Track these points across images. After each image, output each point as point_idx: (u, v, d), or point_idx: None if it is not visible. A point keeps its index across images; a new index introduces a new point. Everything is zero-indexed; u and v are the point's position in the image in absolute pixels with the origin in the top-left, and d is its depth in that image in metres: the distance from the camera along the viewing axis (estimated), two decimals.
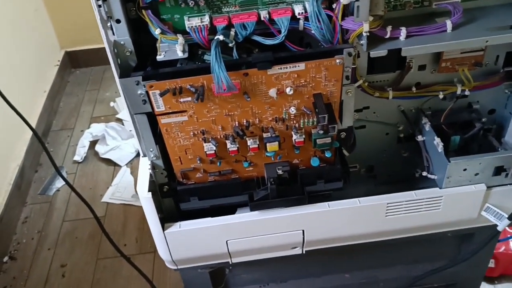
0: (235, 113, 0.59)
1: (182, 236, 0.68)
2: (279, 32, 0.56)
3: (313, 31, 0.56)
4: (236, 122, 0.60)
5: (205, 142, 0.62)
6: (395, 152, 0.78)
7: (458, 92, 0.68)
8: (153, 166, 0.66)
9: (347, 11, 0.54)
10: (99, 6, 0.54)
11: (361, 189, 0.76)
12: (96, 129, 1.53)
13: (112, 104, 1.70)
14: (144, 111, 0.59)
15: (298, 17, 0.56)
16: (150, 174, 0.66)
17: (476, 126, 0.74)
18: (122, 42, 0.56)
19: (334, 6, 0.55)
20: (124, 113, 1.64)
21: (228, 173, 0.67)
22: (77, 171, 1.46)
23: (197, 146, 0.63)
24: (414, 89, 0.69)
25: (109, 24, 0.55)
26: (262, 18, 0.56)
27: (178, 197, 0.67)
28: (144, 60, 0.59)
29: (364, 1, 0.50)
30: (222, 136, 0.62)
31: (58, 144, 1.54)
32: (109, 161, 1.47)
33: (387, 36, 0.54)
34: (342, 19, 0.54)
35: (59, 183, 1.43)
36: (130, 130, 1.56)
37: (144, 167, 0.67)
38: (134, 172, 1.45)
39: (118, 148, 1.49)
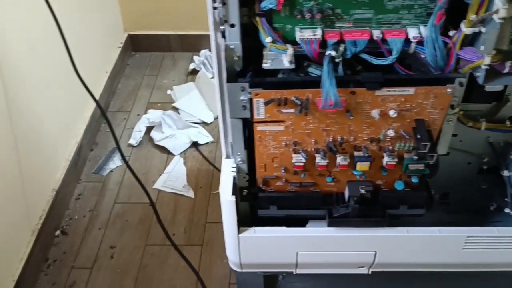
0: (332, 128, 0.59)
1: (255, 241, 0.68)
2: (389, 52, 0.55)
3: (425, 56, 0.55)
4: (331, 138, 0.60)
5: (294, 153, 0.62)
6: (474, 182, 0.76)
7: None
8: (238, 169, 0.66)
9: (466, 40, 0.53)
10: (215, 8, 0.54)
11: (434, 215, 0.75)
12: (153, 115, 1.55)
13: (169, 92, 1.71)
14: (242, 116, 0.59)
15: (412, 40, 0.54)
16: (233, 177, 0.66)
17: None
18: (232, 47, 0.55)
19: (450, 33, 0.54)
20: (180, 102, 1.65)
21: (309, 186, 0.66)
22: (131, 155, 1.47)
23: (285, 156, 0.62)
24: (508, 122, 0.67)
25: (222, 27, 0.54)
26: (375, 37, 0.55)
27: (257, 203, 0.67)
28: (248, 65, 0.59)
29: (492, 35, 0.49)
30: (312, 149, 0.61)
31: (114, 125, 1.56)
32: (163, 149, 1.49)
33: (505, 71, 0.53)
34: (460, 48, 0.53)
35: (113, 164, 1.45)
36: (186, 120, 1.57)
37: (227, 168, 0.68)
38: (186, 163, 1.45)
39: (174, 137, 1.50)
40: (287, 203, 0.67)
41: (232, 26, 0.54)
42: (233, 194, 0.64)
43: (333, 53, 0.54)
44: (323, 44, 0.55)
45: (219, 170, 1.41)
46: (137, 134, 1.52)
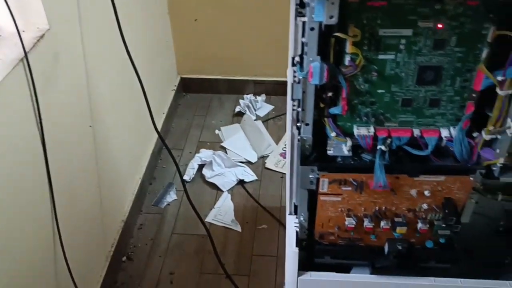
0: (378, 201, 0.76)
1: (310, 283, 0.85)
2: (426, 146, 0.73)
3: (453, 150, 0.71)
4: (377, 207, 0.77)
5: (347, 217, 0.79)
6: (492, 240, 0.92)
7: None
8: (300, 225, 0.83)
9: (486, 142, 0.69)
10: (293, 109, 0.72)
11: (460, 267, 0.90)
12: (205, 154, 1.74)
13: (217, 131, 1.91)
14: (309, 188, 0.76)
15: (443, 138, 0.72)
16: (296, 232, 0.83)
17: None
18: (305, 138, 0.73)
19: (474, 134, 0.71)
20: (228, 143, 1.84)
21: (356, 240, 0.83)
22: (186, 189, 1.67)
23: (340, 218, 0.79)
24: None
25: (298, 124, 0.73)
26: (415, 135, 0.72)
27: (315, 253, 0.84)
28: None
29: (506, 143, 0.65)
30: (362, 214, 0.78)
31: (169, 162, 1.76)
32: (213, 185, 1.67)
33: None
34: (481, 148, 0.70)
35: (170, 198, 1.64)
36: (233, 159, 1.75)
37: (291, 224, 0.85)
38: (234, 199, 1.63)
39: (222, 175, 1.68)
40: (338, 254, 0.83)
41: (307, 124, 0.72)
42: (296, 246, 0.81)
43: (383, 147, 0.71)
44: (375, 137, 0.73)
45: (263, 207, 1.59)
46: (191, 171, 1.71)
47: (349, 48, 0.65)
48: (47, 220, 1.02)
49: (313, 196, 0.78)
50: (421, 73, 0.67)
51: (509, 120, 0.64)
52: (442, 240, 0.80)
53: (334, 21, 0.59)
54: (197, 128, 1.94)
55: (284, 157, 1.77)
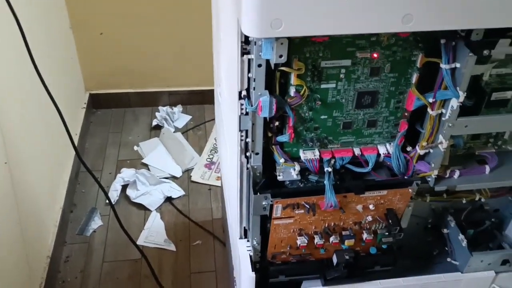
0: (327, 218, 0.80)
1: None
2: (366, 163, 0.77)
3: (391, 165, 0.77)
4: (327, 224, 0.81)
5: (299, 236, 0.82)
6: (422, 236, 1.01)
7: (476, 199, 0.91)
8: (253, 249, 0.84)
9: (420, 156, 0.76)
10: (242, 140, 0.73)
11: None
12: (127, 173, 1.68)
13: (135, 148, 1.85)
14: (262, 214, 0.78)
15: (382, 155, 0.77)
16: (250, 256, 0.85)
17: (486, 223, 0.97)
18: (255, 167, 0.75)
19: (408, 149, 0.77)
20: (149, 158, 1.79)
21: (307, 256, 0.86)
22: (110, 214, 1.60)
23: (291, 238, 0.82)
24: (445, 195, 0.92)
25: (248, 153, 0.73)
26: (356, 154, 0.77)
27: (269, 274, 0.86)
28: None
29: (439, 157, 0.72)
30: (312, 232, 0.82)
31: (89, 185, 1.67)
32: (139, 205, 1.62)
33: (446, 176, 0.76)
34: (416, 161, 0.76)
35: (95, 224, 1.56)
36: (158, 176, 1.72)
37: (243, 248, 0.86)
38: (163, 217, 1.60)
39: (148, 194, 1.64)
40: (291, 271, 0.86)
41: (257, 154, 0.73)
42: (252, 270, 0.82)
43: (329, 169, 0.74)
44: (320, 159, 0.76)
45: (195, 223, 1.58)
46: (114, 193, 1.64)
47: (294, 80, 0.67)
48: None
49: (265, 220, 0.80)
50: (360, 98, 0.71)
51: (440, 136, 0.71)
52: (384, 246, 0.86)
53: (283, 60, 0.61)
54: (113, 146, 1.87)
55: (209, 168, 1.77)
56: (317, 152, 0.76)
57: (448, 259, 0.94)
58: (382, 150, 0.77)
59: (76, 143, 1.73)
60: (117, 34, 1.86)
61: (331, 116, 0.73)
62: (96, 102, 2.02)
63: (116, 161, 1.80)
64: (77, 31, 1.84)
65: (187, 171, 1.76)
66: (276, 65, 0.65)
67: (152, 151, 1.81)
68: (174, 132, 1.92)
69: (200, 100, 2.03)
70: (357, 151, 0.77)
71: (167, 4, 1.81)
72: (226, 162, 1.10)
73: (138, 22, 1.85)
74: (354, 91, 0.71)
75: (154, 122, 1.95)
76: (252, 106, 0.67)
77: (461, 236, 0.91)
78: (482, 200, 0.92)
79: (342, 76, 0.69)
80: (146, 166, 1.77)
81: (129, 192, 1.64)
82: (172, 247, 1.50)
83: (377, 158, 0.78)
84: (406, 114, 0.74)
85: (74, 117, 1.82)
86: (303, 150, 0.76)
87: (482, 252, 0.89)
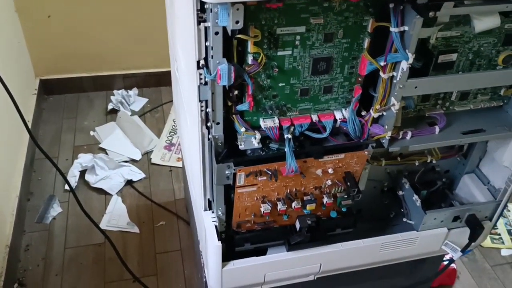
0: (289, 184, 0.82)
1: (234, 271, 0.89)
2: (324, 129, 0.80)
3: (348, 130, 0.80)
4: (289, 190, 0.83)
5: (262, 204, 0.83)
6: (379, 199, 1.05)
7: (428, 161, 0.96)
8: (219, 219, 0.86)
9: (374, 119, 0.79)
10: (202, 110, 0.73)
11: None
12: (85, 158, 1.65)
13: (92, 133, 1.81)
14: (226, 183, 0.79)
15: (338, 120, 0.80)
16: (215, 226, 0.86)
17: (438, 183, 1.03)
18: (216, 137, 0.76)
19: (363, 113, 0.80)
20: (106, 143, 1.77)
21: (271, 223, 0.89)
22: (70, 200, 1.57)
23: (255, 206, 0.84)
24: (399, 158, 0.96)
25: (209, 124, 0.74)
26: (314, 120, 0.79)
27: (235, 243, 0.87)
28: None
29: (391, 119, 0.75)
30: (275, 199, 0.84)
31: (45, 172, 1.63)
32: (100, 190, 1.60)
33: (399, 138, 0.80)
34: (371, 125, 0.79)
35: (54, 211, 1.53)
36: (116, 160, 1.70)
37: (208, 219, 0.87)
38: (125, 200, 1.59)
39: (108, 178, 1.62)
40: (256, 239, 0.88)
41: (218, 123, 0.74)
42: (218, 240, 0.84)
43: (289, 136, 0.76)
44: (280, 127, 0.78)
45: (157, 204, 1.58)
46: (72, 179, 1.61)
47: (251, 48, 0.68)
48: None
49: (228, 191, 0.81)
50: (315, 65, 0.73)
51: (392, 98, 0.74)
52: (344, 209, 0.89)
53: (239, 26, 0.62)
54: (69, 132, 1.82)
55: (169, 150, 1.76)
56: (276, 120, 0.77)
57: (404, 219, 0.99)
58: (338, 115, 0.79)
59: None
60: (66, 16, 1.81)
61: (288, 83, 0.75)
62: (48, 88, 1.96)
63: (72, 147, 1.76)
64: (23, 14, 1.77)
65: (147, 154, 1.75)
66: (233, 32, 0.66)
67: (109, 136, 1.78)
68: (131, 115, 1.89)
69: (157, 82, 2.01)
70: (314, 117, 0.79)
71: None
72: (187, 139, 1.10)
73: (87, 3, 1.80)
74: (309, 57, 0.72)
75: (110, 106, 1.91)
76: (211, 74, 0.68)
77: (415, 197, 0.95)
78: (434, 162, 0.98)
79: (297, 42, 0.70)
80: (104, 150, 1.74)
81: (88, 177, 1.62)
82: (135, 229, 1.50)
83: (334, 123, 0.80)
84: (359, 79, 0.77)
85: (25, 104, 1.77)
86: (263, 118, 0.77)
87: (435, 210, 0.94)
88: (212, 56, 0.66)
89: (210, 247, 0.85)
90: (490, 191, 0.99)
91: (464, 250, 0.98)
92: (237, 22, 0.61)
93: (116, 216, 1.53)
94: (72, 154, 1.72)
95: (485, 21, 0.70)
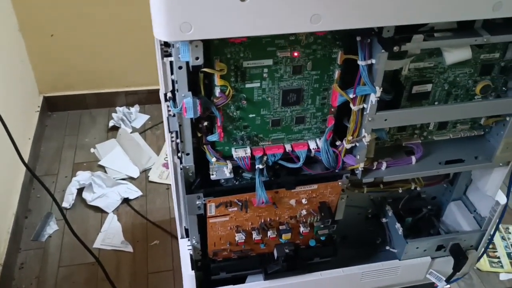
0: (263, 214, 0.81)
1: None
2: (298, 159, 0.79)
3: (322, 160, 0.79)
4: (263, 220, 0.82)
5: (236, 233, 0.83)
6: (363, 226, 1.03)
7: (412, 188, 0.94)
8: (194, 248, 0.85)
9: (348, 150, 0.78)
10: (172, 141, 0.74)
11: (339, 252, 1.00)
12: (83, 177, 1.66)
13: (92, 150, 1.83)
14: (197, 213, 0.79)
15: (312, 150, 0.79)
16: (191, 255, 0.86)
17: (423, 211, 1.01)
18: (187, 167, 0.76)
19: (337, 143, 0.79)
20: (106, 160, 1.78)
21: (247, 251, 0.88)
22: (67, 217, 1.58)
23: (230, 235, 0.84)
24: (381, 185, 0.94)
25: (179, 154, 0.74)
26: (287, 150, 0.78)
27: (211, 271, 0.87)
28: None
29: (363, 153, 0.75)
30: (250, 228, 0.83)
31: (43, 190, 1.65)
32: (96, 208, 1.61)
33: (374, 168, 0.79)
34: (344, 155, 0.78)
35: (50, 229, 1.55)
36: (114, 177, 1.71)
37: (184, 247, 0.87)
38: (120, 219, 1.60)
39: (105, 196, 1.63)
40: (233, 268, 0.88)
41: (188, 154, 0.74)
42: (192, 269, 0.84)
43: (261, 166, 0.76)
44: (252, 157, 0.78)
45: (152, 222, 1.58)
46: (70, 197, 1.63)
47: (217, 81, 0.68)
48: None
49: (204, 219, 0.81)
50: (285, 96, 0.73)
51: (363, 130, 0.73)
52: (323, 238, 0.88)
53: (200, 62, 0.62)
54: (69, 149, 1.85)
55: (168, 168, 1.77)
56: (248, 150, 0.77)
57: (387, 247, 0.97)
58: (312, 145, 0.79)
59: (29, 148, 1.71)
60: (69, 35, 1.84)
61: (259, 114, 0.74)
62: (51, 105, 1.99)
63: (72, 164, 1.78)
64: (26, 33, 1.80)
65: (145, 172, 1.76)
66: (197, 67, 0.66)
67: (109, 153, 1.80)
68: (131, 132, 1.91)
69: (158, 99, 2.01)
70: (288, 147, 0.79)
71: (118, 2, 1.79)
72: None
73: (89, 22, 1.82)
74: (278, 89, 0.72)
75: (111, 123, 1.93)
76: (176, 107, 0.68)
77: (397, 225, 0.94)
78: (418, 189, 0.96)
79: (265, 75, 0.70)
80: (103, 168, 1.76)
81: (85, 195, 1.63)
82: (129, 248, 1.50)
83: (309, 153, 0.79)
84: (332, 109, 0.77)
85: (28, 121, 1.80)
86: (235, 148, 0.77)
87: (417, 239, 0.92)
88: (177, 90, 0.67)
89: (185, 275, 0.85)
90: (476, 219, 0.97)
91: (448, 280, 0.96)
92: (197, 58, 0.61)
93: (111, 235, 1.54)
94: (71, 171, 1.74)
95: (456, 54, 0.69)
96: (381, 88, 0.67)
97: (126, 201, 1.65)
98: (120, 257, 1.48)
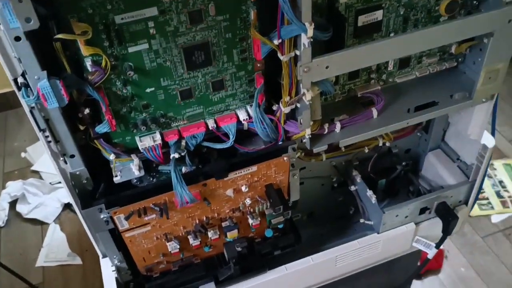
0: (195, 214, 0.63)
1: None
2: (227, 136, 0.60)
3: (257, 132, 0.60)
4: (197, 220, 0.64)
5: (168, 242, 0.65)
6: (331, 197, 0.86)
7: (380, 144, 0.77)
8: (118, 269, 0.67)
9: (288, 114, 0.59)
10: (49, 142, 0.54)
11: (307, 232, 0.83)
12: (14, 188, 1.45)
13: (23, 154, 1.61)
14: (107, 229, 0.60)
15: (243, 122, 0.60)
16: (116, 278, 0.67)
17: (398, 168, 0.84)
18: (77, 173, 0.56)
19: (274, 108, 0.60)
20: (39, 164, 1.57)
21: (190, 258, 0.70)
22: (1, 237, 1.38)
23: (160, 246, 0.65)
24: (343, 148, 0.77)
25: (61, 158, 0.55)
26: (211, 128, 0.59)
27: None
28: (97, 179, 0.59)
29: (306, 115, 0.56)
30: (184, 233, 0.65)
31: None
32: (35, 220, 1.41)
33: (325, 132, 0.61)
34: (284, 122, 0.59)
35: None
36: (50, 183, 1.50)
37: (107, 269, 0.68)
38: (64, 228, 1.40)
39: (42, 205, 1.43)
40: (174, 282, 0.70)
41: (72, 156, 0.55)
42: None
43: (176, 155, 0.57)
44: (166, 144, 0.58)
45: None
46: (1, 213, 1.42)
47: (83, 49, 0.48)
48: None
49: (117, 233, 0.62)
50: (189, 56, 0.53)
51: (301, 85, 0.54)
52: (280, 226, 0.71)
53: (34, 25, 0.41)
54: None
55: None
56: (158, 136, 0.58)
57: (362, 220, 0.81)
58: (242, 115, 0.60)
59: None
60: None
61: (159, 86, 0.55)
62: None
63: (2, 174, 1.56)
64: None
65: None
66: (51, 33, 0.45)
67: (42, 155, 1.58)
68: None
69: None
70: (211, 123, 0.59)
71: None
72: None
73: None
74: (177, 48, 0.52)
75: None
76: (31, 97, 0.48)
77: (369, 192, 0.77)
78: (387, 144, 0.78)
79: (152, 31, 0.50)
80: (37, 173, 1.54)
81: (19, 208, 1.42)
82: (77, 261, 1.31)
83: (240, 126, 0.61)
84: (258, 65, 0.57)
85: None
86: (139, 136, 0.58)
87: (395, 206, 0.75)
88: (26, 72, 0.46)
89: None
90: (461, 169, 0.81)
91: (439, 245, 0.80)
92: (28, 20, 0.41)
93: (54, 248, 1.34)
94: (1, 183, 1.52)
95: None
96: (313, 25, 0.48)
97: (67, 206, 1.44)
98: (68, 272, 1.29)
